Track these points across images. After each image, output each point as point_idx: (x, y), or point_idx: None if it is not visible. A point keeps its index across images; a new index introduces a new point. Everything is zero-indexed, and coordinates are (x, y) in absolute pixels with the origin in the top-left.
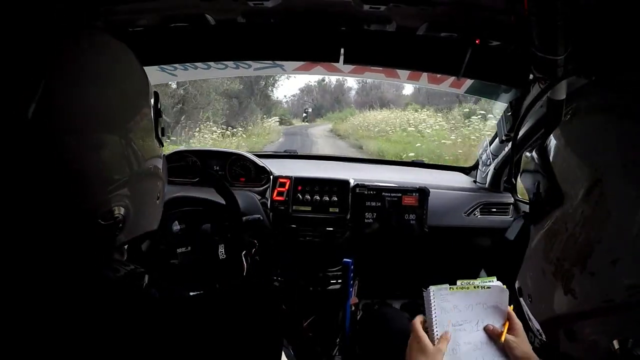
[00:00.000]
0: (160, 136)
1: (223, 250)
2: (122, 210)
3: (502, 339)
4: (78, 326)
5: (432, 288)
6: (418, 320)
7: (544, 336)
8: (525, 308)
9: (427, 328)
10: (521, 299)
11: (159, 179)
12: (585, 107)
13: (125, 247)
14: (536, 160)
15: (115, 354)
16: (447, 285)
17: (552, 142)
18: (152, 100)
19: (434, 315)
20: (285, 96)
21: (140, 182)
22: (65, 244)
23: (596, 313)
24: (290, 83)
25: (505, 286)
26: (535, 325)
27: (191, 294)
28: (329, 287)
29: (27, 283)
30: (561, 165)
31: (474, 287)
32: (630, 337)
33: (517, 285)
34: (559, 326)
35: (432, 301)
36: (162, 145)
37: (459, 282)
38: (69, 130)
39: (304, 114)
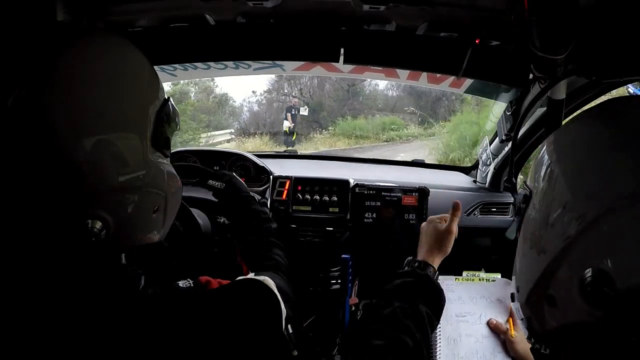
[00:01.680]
0: (162, 146)
1: (217, 183)
2: (98, 224)
3: (512, 333)
4: (73, 327)
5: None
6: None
7: (533, 321)
8: (517, 309)
9: None
10: (513, 305)
11: (156, 193)
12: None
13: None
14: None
15: (110, 355)
16: (453, 277)
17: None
18: (158, 108)
19: None
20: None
21: (127, 196)
22: (42, 246)
23: (561, 257)
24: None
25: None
26: (521, 315)
27: (180, 284)
28: (329, 287)
29: (14, 284)
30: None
31: (479, 279)
32: (586, 268)
33: (511, 292)
34: (540, 297)
35: None
36: (167, 156)
37: (464, 273)
38: (55, 133)
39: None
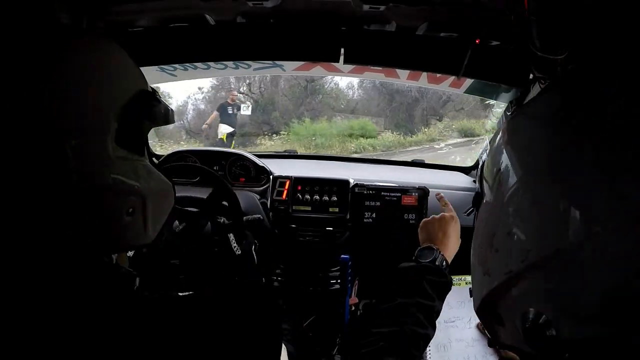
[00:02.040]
0: (132, 143)
1: (236, 244)
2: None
3: None
4: (66, 330)
5: None
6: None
7: (486, 331)
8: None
9: None
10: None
11: (127, 194)
12: (535, 110)
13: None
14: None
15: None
16: None
17: (498, 135)
18: (123, 102)
19: None
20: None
21: (90, 198)
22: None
23: (504, 287)
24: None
25: None
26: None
27: (180, 294)
28: (329, 287)
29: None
30: (487, 166)
31: (466, 283)
32: (530, 306)
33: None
34: (488, 313)
35: None
36: (143, 155)
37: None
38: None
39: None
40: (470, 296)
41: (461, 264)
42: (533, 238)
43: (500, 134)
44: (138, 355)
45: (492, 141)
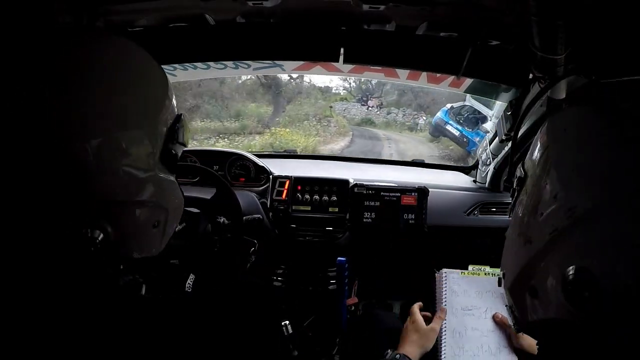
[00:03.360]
0: (170, 162)
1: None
2: (98, 234)
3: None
4: (72, 333)
5: (444, 270)
6: (416, 305)
7: (515, 310)
8: (504, 293)
9: (435, 311)
10: (501, 287)
11: (159, 208)
12: (574, 115)
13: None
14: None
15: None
16: (459, 270)
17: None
18: (170, 123)
19: (444, 297)
20: None
21: (131, 210)
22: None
23: (547, 249)
24: None
25: None
26: (507, 301)
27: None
28: (329, 287)
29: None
30: (530, 154)
31: (485, 274)
32: (570, 264)
33: (499, 274)
34: (523, 286)
35: (444, 283)
36: (174, 173)
37: (470, 267)
38: (67, 139)
39: None
40: (499, 285)
41: (456, 267)
42: (580, 193)
43: (547, 124)
44: (140, 355)
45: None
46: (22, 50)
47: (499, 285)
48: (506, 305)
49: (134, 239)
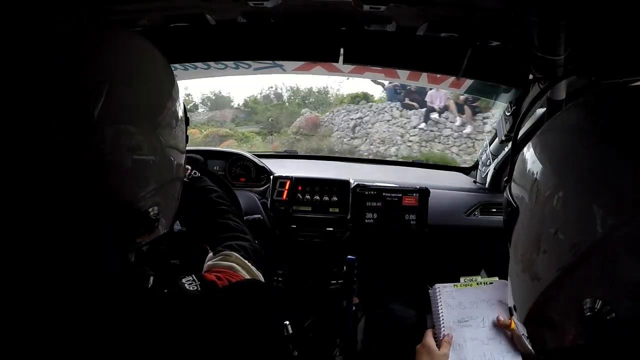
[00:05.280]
0: (185, 143)
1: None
2: (157, 210)
3: (512, 326)
4: (81, 324)
5: (437, 286)
6: (429, 330)
7: (533, 341)
8: (517, 323)
9: (434, 327)
10: (514, 318)
11: (181, 183)
12: (562, 124)
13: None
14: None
15: (117, 353)
16: (452, 284)
17: (527, 150)
18: (183, 108)
19: (440, 312)
20: None
21: (171, 185)
22: (93, 235)
23: (556, 285)
24: None
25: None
26: (524, 331)
27: (186, 285)
28: (330, 287)
29: (34, 277)
30: (521, 180)
31: (477, 284)
32: (584, 297)
33: (509, 305)
34: (539, 320)
35: (438, 298)
36: (184, 153)
37: (462, 280)
38: (122, 133)
39: None
40: (510, 314)
41: (470, 267)
42: (581, 229)
43: (531, 148)
44: (145, 351)
45: (518, 158)
46: (30, 46)
47: (511, 315)
48: (523, 335)
49: (170, 214)
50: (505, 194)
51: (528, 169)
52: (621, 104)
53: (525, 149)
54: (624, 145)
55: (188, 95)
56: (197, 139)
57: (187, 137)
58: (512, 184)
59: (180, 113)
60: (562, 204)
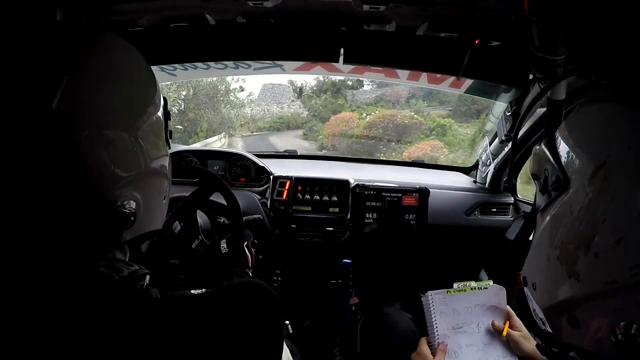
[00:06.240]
0: (168, 138)
1: (225, 245)
2: (133, 205)
3: (504, 334)
4: (76, 325)
5: (430, 293)
6: (424, 339)
7: (547, 325)
8: (530, 297)
9: (428, 335)
10: (526, 289)
11: (166, 179)
12: (592, 99)
13: (127, 246)
14: (544, 151)
15: (113, 354)
16: (444, 290)
17: (560, 133)
18: (163, 104)
19: (434, 320)
20: None
21: (149, 180)
22: (71, 233)
23: (599, 296)
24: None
25: (502, 287)
26: (540, 314)
27: (193, 292)
28: (329, 287)
29: (29, 277)
30: (568, 153)
31: (471, 289)
32: (632, 320)
33: (522, 275)
34: (562, 313)
35: (431, 306)
36: (170, 147)
37: (455, 285)
38: (86, 125)
39: None
40: (524, 284)
41: (470, 267)
42: None
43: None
44: (143, 352)
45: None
46: (16, 47)
47: (525, 285)
48: (533, 310)
49: (153, 210)
50: (543, 147)
51: (593, 144)
52: None
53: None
54: None
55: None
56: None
57: (170, 132)
58: (568, 143)
59: (159, 106)
60: (634, 209)
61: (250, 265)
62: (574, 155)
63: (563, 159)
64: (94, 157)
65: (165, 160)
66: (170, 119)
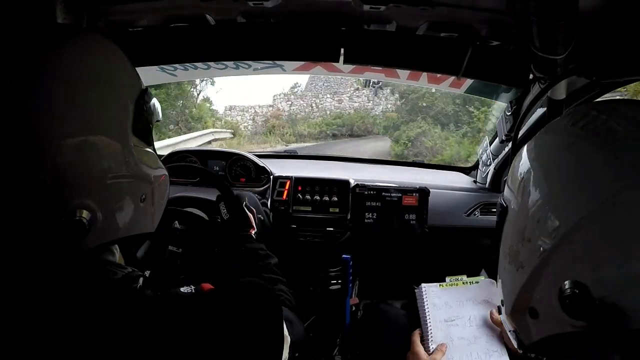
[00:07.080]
0: (143, 134)
1: (225, 209)
2: (84, 213)
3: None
4: (67, 328)
5: (423, 285)
6: (416, 333)
7: (519, 334)
8: (504, 320)
9: (421, 329)
10: (502, 315)
11: (142, 180)
12: (546, 130)
13: (116, 248)
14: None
15: (108, 354)
16: (437, 283)
17: (516, 157)
18: (135, 98)
19: (427, 312)
20: None
21: (113, 184)
22: (26, 242)
23: (539, 270)
24: None
25: (493, 281)
26: (509, 327)
27: (182, 289)
28: (329, 287)
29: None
30: (510, 180)
31: (462, 283)
32: (565, 279)
33: (497, 304)
34: (524, 310)
35: (424, 298)
36: (151, 144)
37: (447, 279)
38: (37, 133)
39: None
40: (499, 313)
41: (470, 267)
42: (560, 214)
43: (519, 155)
44: (140, 353)
45: (512, 159)
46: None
47: (499, 313)
48: (510, 331)
49: (123, 215)
50: (498, 201)
51: (515, 171)
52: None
53: (515, 159)
54: (598, 142)
55: None
56: None
57: (149, 128)
58: (504, 191)
59: (128, 108)
60: (544, 196)
61: (253, 224)
62: (510, 184)
63: (504, 194)
64: (46, 165)
65: (138, 163)
66: (151, 114)
